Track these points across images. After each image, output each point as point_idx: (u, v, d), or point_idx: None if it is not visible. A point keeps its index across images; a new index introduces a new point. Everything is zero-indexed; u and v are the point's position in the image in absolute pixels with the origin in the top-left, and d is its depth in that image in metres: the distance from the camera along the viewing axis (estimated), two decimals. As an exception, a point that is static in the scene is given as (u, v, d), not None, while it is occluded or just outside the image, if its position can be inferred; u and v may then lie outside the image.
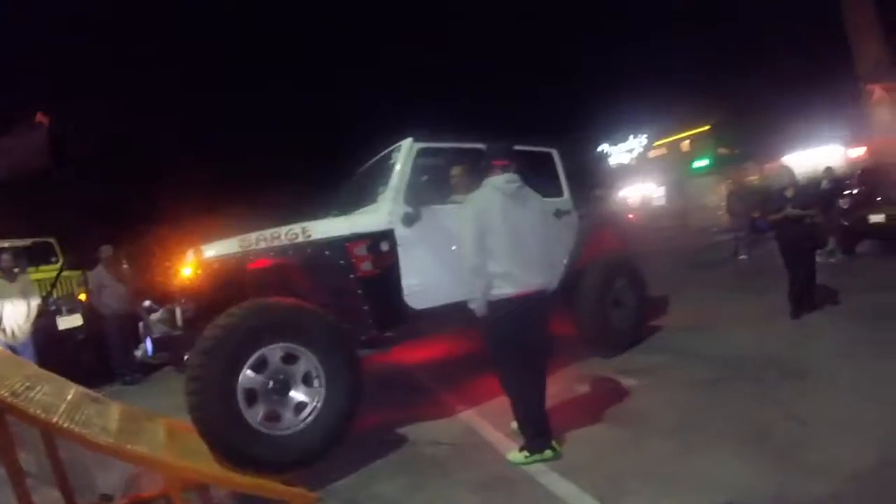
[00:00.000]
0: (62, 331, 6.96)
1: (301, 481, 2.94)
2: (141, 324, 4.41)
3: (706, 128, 29.03)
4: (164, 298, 8.25)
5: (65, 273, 8.34)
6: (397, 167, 3.90)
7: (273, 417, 3.08)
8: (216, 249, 3.37)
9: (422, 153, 4.00)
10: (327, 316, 3.26)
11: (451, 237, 3.78)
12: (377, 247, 3.64)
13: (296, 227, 3.56)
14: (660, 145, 32.29)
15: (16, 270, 6.02)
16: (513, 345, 3.06)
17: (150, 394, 6.05)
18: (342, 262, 3.56)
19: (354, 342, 3.46)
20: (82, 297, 7.64)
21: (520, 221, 3.04)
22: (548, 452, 2.99)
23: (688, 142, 30.30)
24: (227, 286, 3.30)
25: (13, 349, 5.21)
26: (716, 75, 28.00)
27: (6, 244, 7.82)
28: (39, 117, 12.78)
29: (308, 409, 3.15)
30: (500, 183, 3.08)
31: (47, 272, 8.45)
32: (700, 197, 26.21)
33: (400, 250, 3.72)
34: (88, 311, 7.13)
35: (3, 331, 5.67)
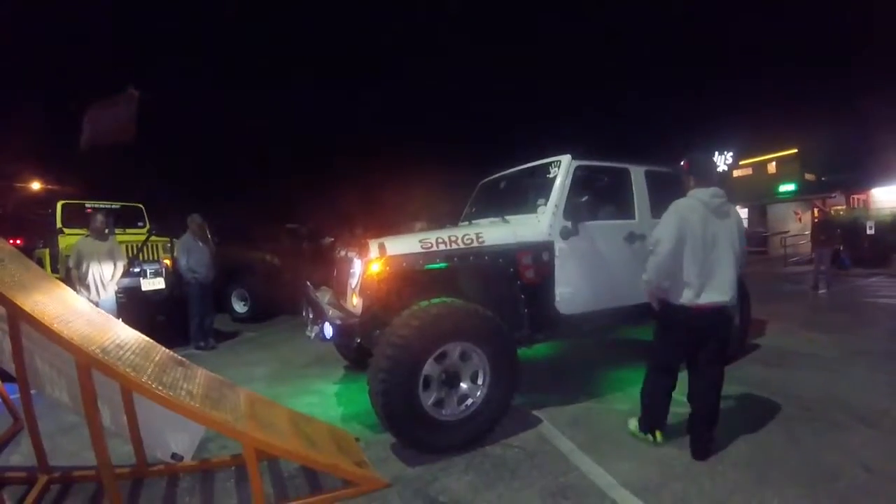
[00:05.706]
0: (145, 292, 7.33)
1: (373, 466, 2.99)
2: (304, 302, 4.60)
3: (793, 151, 27.49)
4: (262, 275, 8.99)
5: (152, 238, 8.73)
6: (557, 183, 4.18)
7: (439, 403, 3.39)
8: (399, 247, 3.62)
9: (578, 170, 4.24)
10: (501, 321, 3.53)
11: (599, 251, 4.26)
12: (540, 257, 3.98)
13: (470, 232, 3.88)
14: (745, 164, 30.25)
15: (106, 231, 6.26)
16: (678, 350, 3.33)
17: (221, 362, 6.26)
18: (511, 269, 3.88)
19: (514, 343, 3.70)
20: (167, 262, 8.02)
21: (718, 236, 3.11)
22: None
23: (774, 164, 28.63)
24: (408, 282, 3.66)
25: (95, 305, 5.42)
26: (807, 95, 26.49)
27: (100, 206, 8.35)
28: (132, 90, 13.12)
29: (470, 401, 3.49)
30: (706, 196, 3.17)
31: (134, 235, 8.94)
32: (783, 223, 25.00)
33: (556, 261, 4.03)
34: (172, 276, 7.48)
35: (88, 287, 5.88)
